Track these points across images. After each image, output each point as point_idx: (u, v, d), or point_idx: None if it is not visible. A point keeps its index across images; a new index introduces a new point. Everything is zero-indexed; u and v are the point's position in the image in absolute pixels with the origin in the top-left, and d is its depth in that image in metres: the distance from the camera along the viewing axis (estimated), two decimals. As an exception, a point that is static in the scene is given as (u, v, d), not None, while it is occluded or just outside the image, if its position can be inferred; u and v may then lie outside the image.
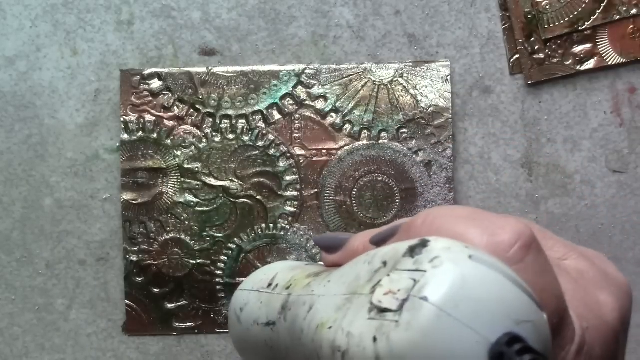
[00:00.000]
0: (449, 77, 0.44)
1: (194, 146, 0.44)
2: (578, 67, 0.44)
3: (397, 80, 0.44)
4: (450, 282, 0.20)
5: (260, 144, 0.44)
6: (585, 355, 0.23)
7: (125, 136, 0.44)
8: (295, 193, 0.44)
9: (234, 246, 0.44)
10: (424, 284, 0.20)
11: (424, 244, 0.21)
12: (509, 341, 0.19)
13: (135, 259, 0.44)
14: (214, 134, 0.44)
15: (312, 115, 0.44)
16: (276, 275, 0.33)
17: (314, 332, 0.25)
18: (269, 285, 0.33)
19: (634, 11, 0.44)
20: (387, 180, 0.44)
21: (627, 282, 0.27)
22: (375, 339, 0.20)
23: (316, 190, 0.44)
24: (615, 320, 0.25)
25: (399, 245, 0.22)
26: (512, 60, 0.45)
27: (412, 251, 0.22)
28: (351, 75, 0.44)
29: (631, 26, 0.44)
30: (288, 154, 0.44)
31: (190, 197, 0.44)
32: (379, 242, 0.27)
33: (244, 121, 0.44)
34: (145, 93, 0.44)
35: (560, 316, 0.23)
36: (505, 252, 0.22)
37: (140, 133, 0.44)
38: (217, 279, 0.45)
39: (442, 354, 0.20)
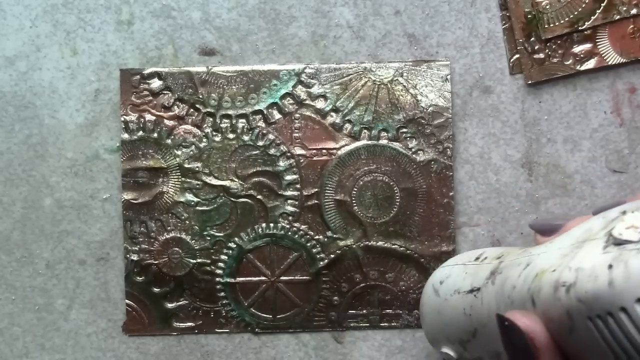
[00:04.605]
0: (449, 77, 0.44)
1: (194, 146, 0.44)
2: (578, 67, 0.44)
3: (397, 79, 0.44)
4: None
5: (260, 143, 0.44)
6: None
7: (126, 136, 0.44)
8: (296, 192, 0.44)
9: (234, 245, 0.44)
10: None
11: None
12: None
13: (135, 258, 0.44)
14: (214, 133, 0.44)
15: (312, 115, 0.44)
16: (485, 252, 0.35)
17: (530, 282, 0.26)
18: (477, 258, 0.34)
19: (634, 11, 0.44)
20: (387, 180, 0.44)
21: None
22: (610, 266, 0.22)
23: (316, 189, 0.44)
24: None
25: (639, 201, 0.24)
26: (512, 60, 0.45)
27: None
28: (351, 74, 0.44)
29: (631, 26, 0.44)
30: (288, 154, 0.44)
31: (190, 197, 0.44)
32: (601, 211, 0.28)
33: (244, 121, 0.44)
34: (145, 93, 0.44)
35: None
36: None
37: (141, 133, 0.44)
38: (217, 279, 0.45)
39: None
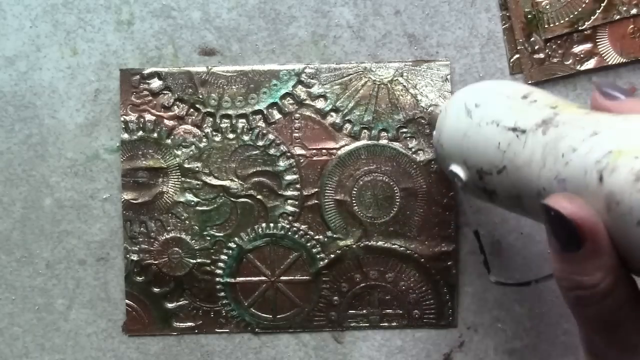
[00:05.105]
0: (449, 77, 0.44)
1: (194, 146, 0.44)
2: (578, 67, 0.44)
3: (397, 79, 0.44)
4: None
5: (260, 143, 0.44)
6: None
7: (126, 136, 0.44)
8: (296, 192, 0.44)
9: (234, 245, 0.45)
10: None
11: None
12: None
13: (135, 258, 0.44)
14: (214, 133, 0.44)
15: (312, 115, 0.44)
16: (533, 92, 0.33)
17: (600, 156, 0.25)
18: (524, 97, 0.33)
19: (634, 11, 0.44)
20: (387, 180, 0.44)
21: None
22: None
23: (316, 189, 0.44)
24: None
25: None
26: (512, 60, 0.45)
27: None
28: (351, 74, 0.44)
29: (631, 26, 0.44)
30: (288, 154, 0.44)
31: (190, 197, 0.44)
32: None
33: (244, 121, 0.44)
34: (145, 92, 0.44)
35: None
36: None
37: (141, 132, 0.44)
38: (217, 279, 0.45)
39: None
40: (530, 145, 0.30)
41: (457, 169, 0.36)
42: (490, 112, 0.33)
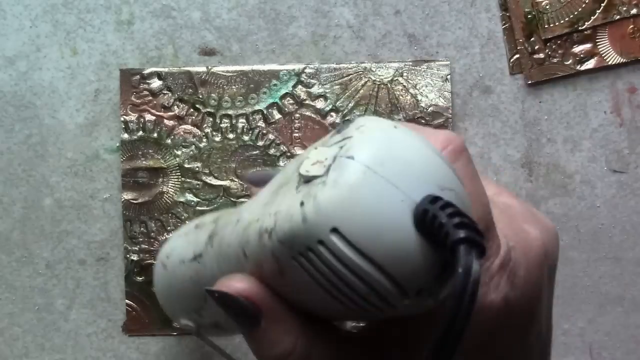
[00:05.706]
0: (449, 77, 0.44)
1: (194, 146, 0.44)
2: (578, 67, 0.44)
3: (397, 79, 0.44)
4: (376, 142, 0.21)
5: (260, 143, 0.44)
6: (509, 271, 0.23)
7: (126, 136, 0.44)
8: (296, 192, 0.44)
9: (234, 245, 0.44)
10: (350, 146, 0.21)
11: (350, 120, 0.23)
12: (433, 200, 0.20)
13: (135, 258, 0.44)
14: (214, 133, 0.44)
15: (312, 115, 0.44)
16: (202, 218, 0.34)
17: (241, 236, 0.25)
18: (196, 226, 0.33)
19: (634, 11, 0.44)
20: (387, 180, 0.44)
21: (553, 226, 0.27)
22: (302, 204, 0.21)
23: (316, 189, 0.44)
24: (539, 249, 0.25)
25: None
26: (512, 60, 0.45)
27: (339, 130, 0.23)
28: (351, 74, 0.44)
29: (631, 26, 0.44)
30: (288, 154, 0.44)
31: (190, 197, 0.44)
32: None
33: (244, 121, 0.44)
34: (145, 92, 0.44)
35: (486, 225, 0.23)
36: None
37: (141, 133, 0.44)
38: (217, 279, 0.45)
39: (367, 209, 0.20)
40: (208, 264, 0.30)
41: (184, 321, 0.36)
42: (177, 255, 0.34)
